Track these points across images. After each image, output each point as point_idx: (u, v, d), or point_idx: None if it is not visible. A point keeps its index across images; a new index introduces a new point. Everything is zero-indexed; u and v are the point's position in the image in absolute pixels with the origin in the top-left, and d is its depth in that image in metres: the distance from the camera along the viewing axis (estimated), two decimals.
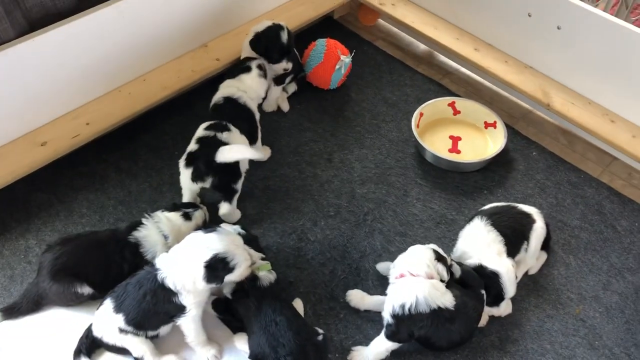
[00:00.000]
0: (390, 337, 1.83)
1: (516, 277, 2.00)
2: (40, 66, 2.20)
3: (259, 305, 1.81)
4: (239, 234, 1.97)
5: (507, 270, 1.94)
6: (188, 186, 2.17)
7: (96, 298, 1.93)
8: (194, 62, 2.65)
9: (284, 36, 2.51)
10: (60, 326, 1.96)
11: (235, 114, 2.30)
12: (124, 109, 2.44)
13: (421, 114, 2.62)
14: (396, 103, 2.79)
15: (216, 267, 1.74)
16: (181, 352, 1.92)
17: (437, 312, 1.78)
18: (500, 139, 2.53)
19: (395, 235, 2.28)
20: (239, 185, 2.22)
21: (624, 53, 2.35)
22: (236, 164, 2.18)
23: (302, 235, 2.26)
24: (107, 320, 1.82)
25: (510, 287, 1.95)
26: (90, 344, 1.86)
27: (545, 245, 2.18)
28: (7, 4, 2.13)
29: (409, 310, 1.76)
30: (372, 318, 2.03)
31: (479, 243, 2.02)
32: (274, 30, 2.51)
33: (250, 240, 1.98)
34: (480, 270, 1.95)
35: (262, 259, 1.95)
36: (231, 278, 1.79)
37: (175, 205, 2.10)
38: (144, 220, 2.00)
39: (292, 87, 2.79)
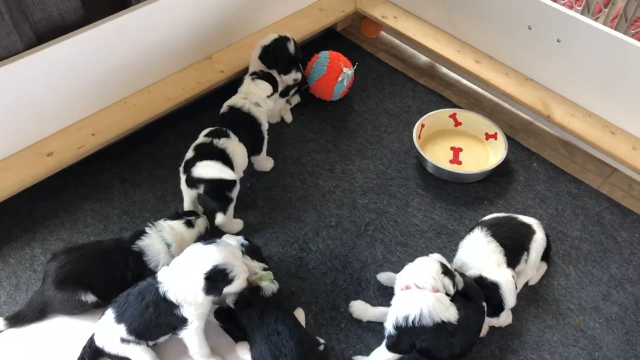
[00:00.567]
0: (391, 347, 1.83)
1: (516, 288, 2.01)
2: (46, 78, 2.23)
3: (262, 314, 1.82)
4: (242, 244, 1.99)
5: (507, 281, 1.94)
6: (186, 192, 2.21)
7: (100, 306, 1.94)
8: (198, 74, 2.68)
9: (292, 47, 2.55)
10: (64, 334, 1.98)
11: (239, 122, 2.31)
12: (129, 120, 2.47)
13: (422, 125, 2.64)
14: (398, 114, 2.81)
15: (216, 279, 1.75)
16: None
17: (440, 325, 1.77)
18: (501, 150, 2.55)
19: (397, 246, 2.29)
20: (234, 194, 2.19)
21: (623, 66, 2.36)
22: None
23: (304, 245, 2.28)
24: (108, 330, 1.83)
25: (510, 298, 1.95)
26: (93, 353, 1.87)
27: (546, 256, 2.18)
28: (16, 17, 2.17)
29: (413, 322, 1.76)
30: (373, 328, 2.04)
31: (479, 254, 2.02)
32: (281, 42, 2.54)
33: (253, 251, 2.00)
34: (480, 280, 1.95)
35: (265, 269, 1.96)
36: (230, 289, 1.80)
37: (178, 213, 2.12)
38: (147, 229, 2.01)
39: (296, 99, 2.82)
